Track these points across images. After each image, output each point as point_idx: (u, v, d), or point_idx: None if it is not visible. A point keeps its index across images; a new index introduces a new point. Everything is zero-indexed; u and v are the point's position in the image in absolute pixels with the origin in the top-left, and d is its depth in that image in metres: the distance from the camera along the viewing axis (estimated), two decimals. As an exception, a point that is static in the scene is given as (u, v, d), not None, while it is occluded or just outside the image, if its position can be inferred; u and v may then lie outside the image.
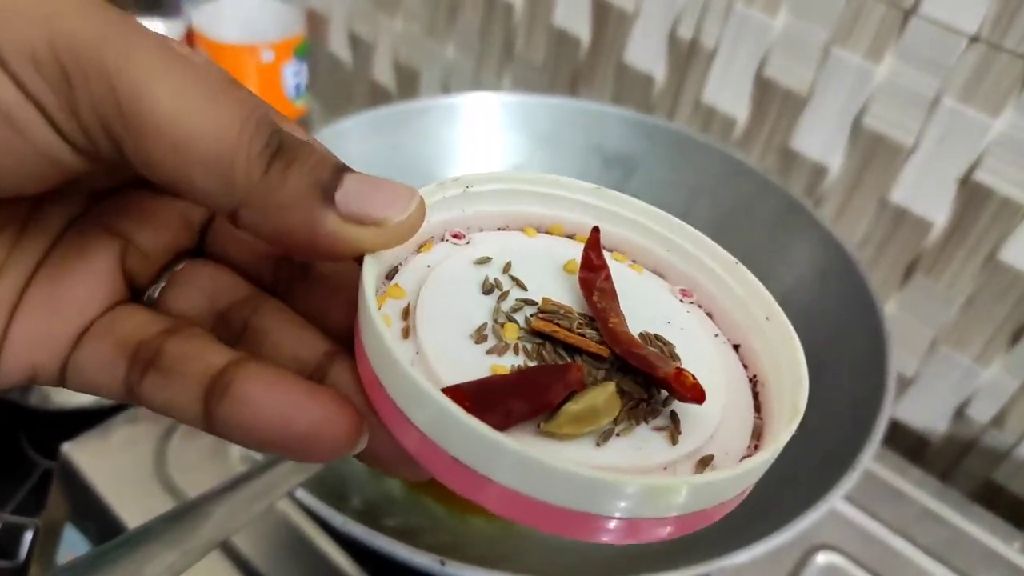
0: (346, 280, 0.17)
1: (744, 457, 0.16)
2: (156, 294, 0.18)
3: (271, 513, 0.37)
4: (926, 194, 0.44)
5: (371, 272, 0.15)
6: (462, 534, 0.35)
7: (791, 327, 0.17)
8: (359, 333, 0.16)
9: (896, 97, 0.43)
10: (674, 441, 0.15)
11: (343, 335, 0.17)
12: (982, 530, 0.43)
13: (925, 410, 0.49)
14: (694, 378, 0.15)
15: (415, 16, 0.66)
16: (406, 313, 0.16)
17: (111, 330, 0.17)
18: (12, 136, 0.13)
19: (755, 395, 0.17)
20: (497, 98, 0.48)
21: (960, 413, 0.48)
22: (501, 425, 0.14)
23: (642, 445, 0.15)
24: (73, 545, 0.39)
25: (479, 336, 0.16)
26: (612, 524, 0.14)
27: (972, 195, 0.42)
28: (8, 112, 0.13)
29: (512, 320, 0.17)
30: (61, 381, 0.17)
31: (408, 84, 0.71)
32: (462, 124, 0.46)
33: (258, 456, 0.27)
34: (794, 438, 0.37)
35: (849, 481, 0.29)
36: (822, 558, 0.40)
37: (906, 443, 0.50)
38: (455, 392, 0.14)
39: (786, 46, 0.46)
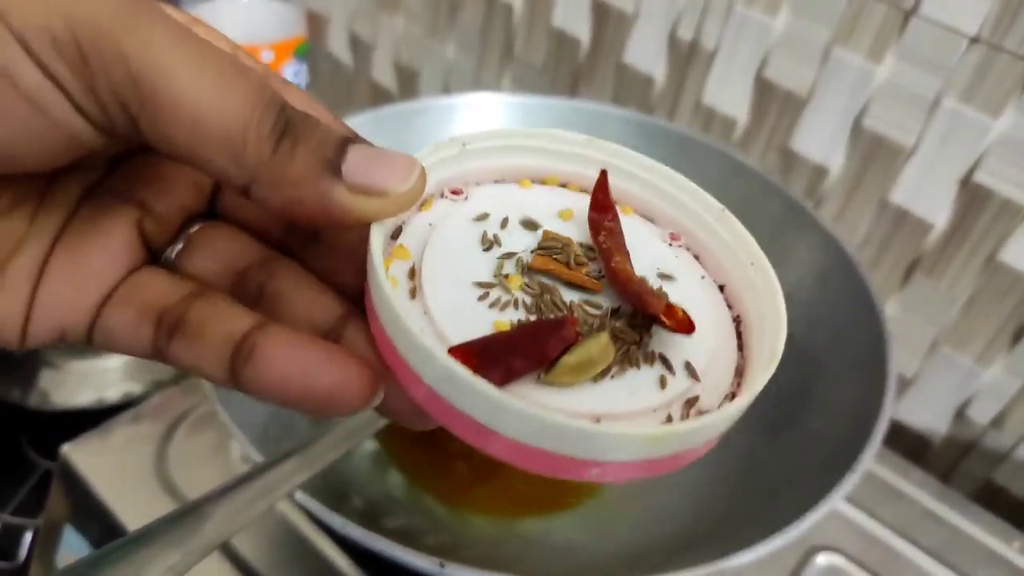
0: (355, 241, 0.18)
1: (728, 394, 0.17)
2: (173, 256, 0.19)
3: (270, 513, 0.37)
4: (927, 195, 0.44)
5: (378, 239, 0.16)
6: (463, 535, 0.35)
7: (774, 274, 0.18)
8: (369, 297, 0.17)
9: (897, 98, 0.43)
10: (663, 385, 0.17)
11: (354, 293, 0.18)
12: (982, 530, 0.43)
13: (926, 411, 0.49)
14: (684, 312, 0.17)
15: (415, 16, 0.66)
16: (412, 273, 0.17)
17: (136, 295, 0.17)
18: (35, 116, 0.14)
19: (739, 335, 0.19)
20: (497, 99, 0.48)
21: (961, 414, 0.48)
22: (504, 379, 0.15)
23: (634, 390, 0.16)
24: (73, 546, 0.39)
25: (482, 292, 0.17)
26: (599, 467, 0.15)
27: (973, 196, 0.42)
28: (32, 93, 0.14)
29: (513, 270, 0.18)
30: (89, 342, 0.18)
31: (408, 84, 0.70)
32: (462, 124, 0.46)
33: (259, 457, 0.27)
34: (794, 439, 0.37)
35: (850, 482, 0.29)
36: (822, 559, 0.40)
37: (907, 444, 0.50)
38: (463, 351, 0.15)
39: (787, 47, 0.46)
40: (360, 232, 0.17)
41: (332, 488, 0.34)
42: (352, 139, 0.16)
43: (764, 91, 0.48)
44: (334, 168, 0.15)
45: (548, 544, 0.35)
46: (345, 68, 0.76)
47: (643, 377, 0.16)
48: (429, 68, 0.68)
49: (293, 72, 0.70)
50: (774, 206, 0.42)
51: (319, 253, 0.19)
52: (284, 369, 0.16)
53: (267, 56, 0.68)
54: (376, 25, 0.70)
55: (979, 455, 0.48)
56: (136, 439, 0.40)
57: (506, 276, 0.18)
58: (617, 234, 0.19)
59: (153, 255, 0.19)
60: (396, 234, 0.18)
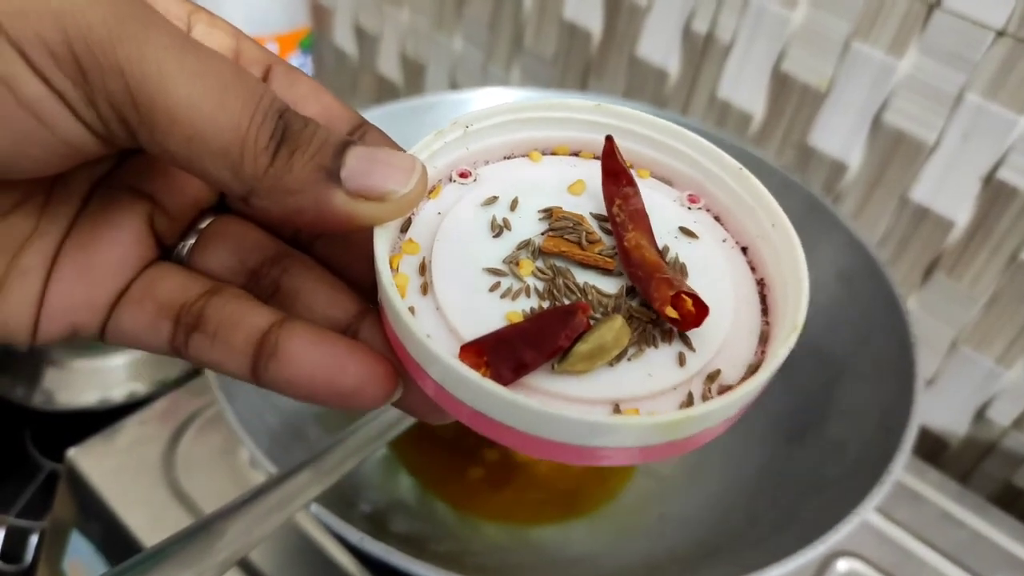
0: (365, 235, 0.17)
1: (752, 365, 0.16)
2: (185, 251, 0.19)
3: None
4: (948, 192, 0.43)
5: (383, 245, 0.16)
6: (475, 542, 0.35)
7: (795, 236, 0.17)
8: (381, 298, 0.17)
9: (919, 93, 0.42)
10: (682, 363, 0.16)
11: (368, 285, 0.18)
12: (1001, 533, 0.43)
13: (945, 411, 0.48)
14: (692, 304, 0.16)
15: (422, 8, 0.65)
16: (423, 268, 0.17)
17: (151, 293, 0.17)
18: (37, 126, 0.14)
19: (762, 298, 0.18)
20: (506, 93, 0.47)
21: (981, 415, 0.47)
22: (517, 374, 0.15)
23: (652, 370, 0.16)
24: (79, 550, 0.38)
25: (493, 282, 0.17)
26: (612, 453, 0.15)
27: (996, 194, 0.41)
28: (32, 103, 0.14)
29: (524, 255, 0.18)
30: (102, 338, 0.18)
31: (414, 77, 0.69)
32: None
33: (270, 468, 0.26)
34: (817, 445, 0.36)
35: (880, 492, 0.28)
36: (843, 564, 0.40)
37: (925, 445, 0.49)
38: (474, 349, 0.15)
39: (805, 40, 0.45)
40: (363, 231, 0.17)
41: (341, 494, 0.33)
42: (351, 143, 0.15)
43: (781, 85, 0.47)
44: (332, 175, 0.15)
45: (563, 553, 0.34)
46: (350, 60, 0.75)
47: (661, 356, 0.16)
48: (436, 61, 0.66)
49: (298, 64, 0.69)
50: (793, 204, 0.40)
51: (331, 246, 0.19)
52: (309, 366, 0.16)
53: (271, 48, 0.67)
54: (382, 17, 0.69)
55: (999, 457, 0.47)
56: (143, 442, 0.39)
57: (517, 263, 0.17)
58: (633, 200, 0.18)
59: (165, 250, 0.19)
60: (406, 227, 0.18)
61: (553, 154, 0.20)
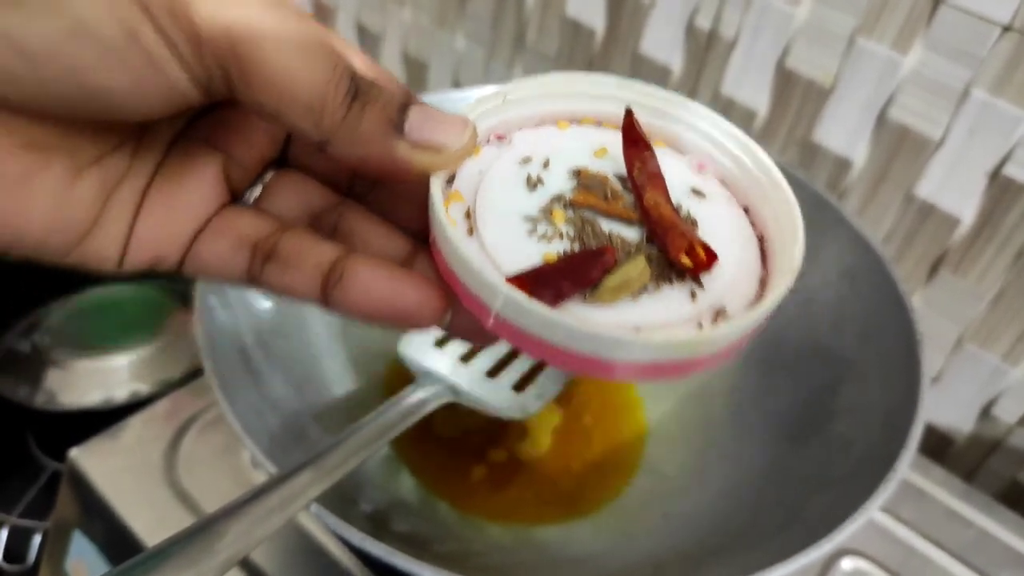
0: (414, 186, 0.20)
1: (753, 304, 0.19)
2: (251, 200, 0.21)
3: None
4: (954, 188, 0.43)
5: (438, 188, 0.19)
6: (475, 542, 0.35)
7: (792, 193, 0.20)
8: (433, 237, 0.19)
9: (924, 88, 0.42)
10: (694, 298, 0.19)
11: (416, 231, 0.21)
12: (1007, 531, 0.42)
13: (950, 409, 0.48)
14: (703, 252, 0.19)
15: (424, 6, 0.65)
16: (468, 214, 0.20)
17: (229, 227, 0.20)
18: (152, 73, 0.16)
19: (763, 251, 0.21)
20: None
21: (987, 412, 0.46)
22: (555, 300, 0.18)
23: (668, 304, 0.19)
24: (81, 550, 0.38)
25: (530, 227, 0.19)
26: (629, 367, 0.18)
27: (1003, 190, 0.41)
28: (151, 53, 0.16)
29: (557, 206, 0.20)
30: (179, 270, 0.20)
31: (417, 76, 0.69)
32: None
33: (271, 468, 0.26)
34: (821, 444, 0.36)
35: (885, 491, 0.28)
36: (847, 563, 0.39)
37: (931, 442, 0.49)
38: (518, 280, 0.18)
39: (809, 35, 0.45)
40: (419, 179, 0.19)
41: (343, 493, 0.33)
42: (412, 101, 0.18)
43: (785, 81, 0.47)
44: (397, 127, 0.18)
45: (566, 553, 0.34)
46: (352, 59, 0.74)
47: (676, 293, 0.19)
48: (438, 59, 0.66)
49: (299, 63, 0.69)
50: (797, 200, 0.40)
51: (382, 198, 0.21)
52: (373, 290, 0.19)
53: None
54: (384, 15, 0.69)
55: (1005, 454, 0.47)
56: (145, 443, 0.39)
57: (551, 212, 0.20)
58: (651, 164, 0.21)
59: (234, 198, 0.21)
60: (451, 180, 0.20)
61: (579, 124, 0.23)
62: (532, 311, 0.17)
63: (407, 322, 0.19)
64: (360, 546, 0.25)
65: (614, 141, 0.22)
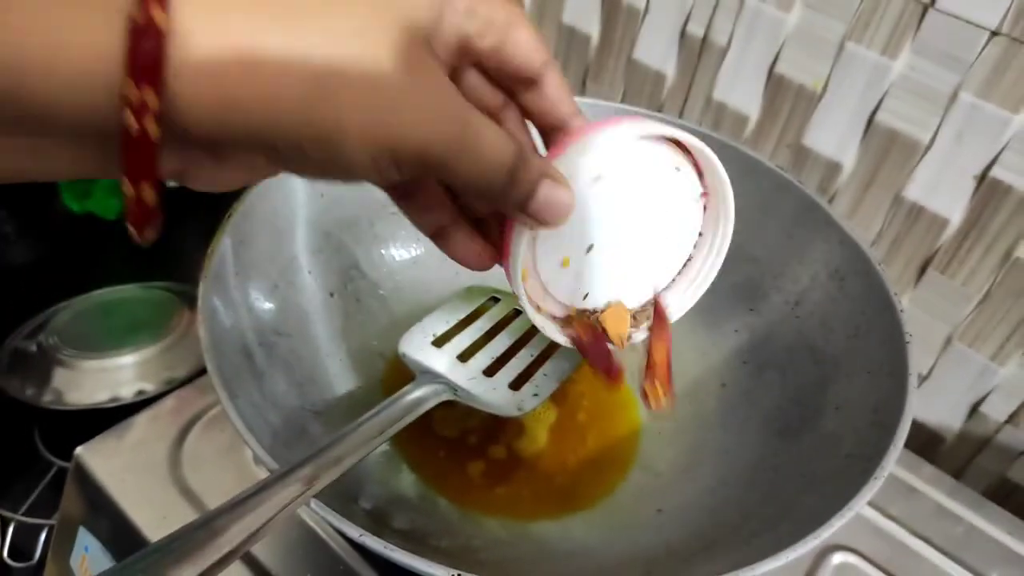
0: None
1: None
2: None
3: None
4: (942, 191, 0.44)
5: (519, 244, 0.26)
6: (474, 537, 0.35)
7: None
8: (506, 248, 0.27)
9: (913, 93, 0.43)
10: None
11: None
12: (996, 528, 0.43)
13: (940, 407, 0.48)
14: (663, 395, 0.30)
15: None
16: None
17: None
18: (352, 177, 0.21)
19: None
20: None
21: (975, 410, 0.47)
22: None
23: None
24: (87, 547, 0.39)
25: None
26: None
27: (990, 192, 0.42)
28: (356, 169, 0.20)
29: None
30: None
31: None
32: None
33: (273, 465, 0.27)
34: (811, 442, 0.37)
35: (873, 487, 0.29)
36: (838, 558, 0.40)
37: (920, 440, 0.50)
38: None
39: (800, 41, 0.46)
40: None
41: (342, 489, 0.34)
42: (543, 181, 0.24)
43: (776, 86, 0.47)
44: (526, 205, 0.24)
45: (562, 547, 0.34)
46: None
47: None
48: (437, 62, 0.67)
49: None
50: (789, 203, 0.41)
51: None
52: (457, 248, 0.28)
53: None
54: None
55: (994, 451, 0.47)
56: (150, 440, 0.40)
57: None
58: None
59: None
60: None
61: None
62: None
63: (470, 267, 0.28)
64: (359, 541, 0.25)
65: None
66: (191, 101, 0.16)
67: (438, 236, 0.27)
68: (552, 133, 0.27)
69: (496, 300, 0.43)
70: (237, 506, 0.22)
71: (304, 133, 0.18)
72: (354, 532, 0.26)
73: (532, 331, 0.42)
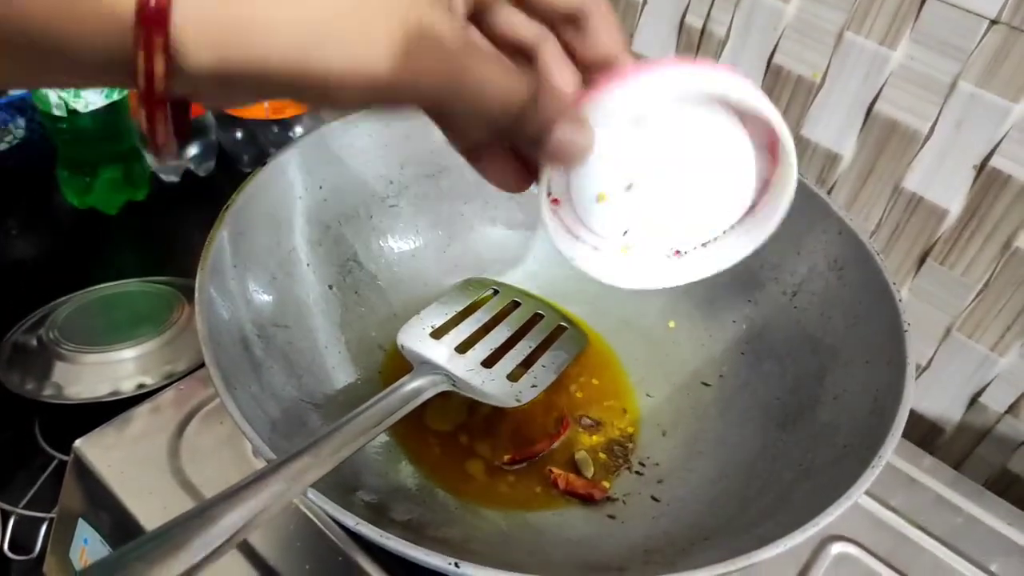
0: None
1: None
2: None
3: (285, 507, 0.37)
4: (942, 181, 0.43)
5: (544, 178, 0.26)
6: (474, 528, 0.35)
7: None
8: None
9: (912, 82, 0.42)
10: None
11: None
12: (996, 518, 0.43)
13: (939, 398, 0.48)
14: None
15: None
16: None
17: None
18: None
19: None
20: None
21: (975, 401, 0.47)
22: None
23: None
24: (86, 539, 0.39)
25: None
26: None
27: (989, 181, 0.42)
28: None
29: None
30: None
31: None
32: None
33: (271, 456, 0.27)
34: (809, 431, 0.37)
35: (871, 476, 0.29)
36: (837, 548, 0.40)
37: (920, 431, 0.49)
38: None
39: (799, 31, 0.45)
40: None
41: (341, 481, 0.34)
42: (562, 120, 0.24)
43: (775, 77, 0.47)
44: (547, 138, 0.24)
45: (560, 537, 0.34)
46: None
47: None
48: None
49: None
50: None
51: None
52: (492, 172, 0.27)
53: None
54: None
55: (994, 442, 0.47)
56: (149, 433, 0.40)
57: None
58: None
59: None
60: None
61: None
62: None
63: (505, 189, 0.27)
64: (355, 530, 0.25)
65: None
66: (192, 51, 0.19)
67: (472, 155, 0.27)
68: (599, 71, 0.26)
69: (495, 292, 0.43)
70: (233, 495, 0.23)
71: (296, 83, 0.20)
72: (351, 521, 0.26)
73: (531, 323, 0.42)
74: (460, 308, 0.40)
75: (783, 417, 0.37)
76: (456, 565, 0.25)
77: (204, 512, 0.22)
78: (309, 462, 0.26)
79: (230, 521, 0.22)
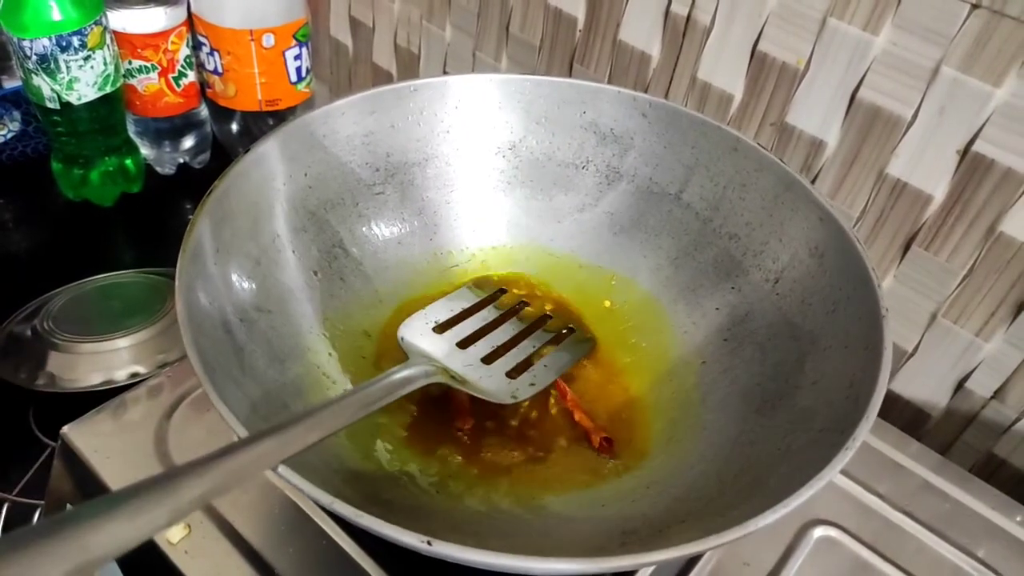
0: None
1: None
2: None
3: (270, 491, 0.38)
4: (925, 167, 0.43)
5: None
6: (453, 511, 0.36)
7: None
8: None
9: (895, 68, 0.43)
10: None
11: None
12: (983, 504, 0.43)
13: (925, 384, 0.48)
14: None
15: (413, -4, 0.66)
16: None
17: None
18: None
19: None
20: (491, 77, 0.47)
21: (961, 387, 0.47)
22: None
23: None
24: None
25: None
26: None
27: (973, 166, 0.42)
28: None
29: None
30: None
31: (409, 66, 0.70)
32: (457, 103, 0.46)
33: (245, 432, 0.27)
34: (787, 415, 0.37)
35: (844, 457, 0.29)
36: (819, 532, 0.40)
37: (905, 417, 0.50)
38: None
39: (782, 18, 0.45)
40: None
41: (319, 464, 0.34)
42: None
43: (759, 65, 0.47)
44: None
45: (538, 518, 0.35)
46: (346, 51, 0.76)
47: None
48: (428, 49, 0.67)
49: (294, 56, 0.70)
50: (771, 181, 0.41)
51: None
52: None
53: (268, 41, 0.68)
54: (375, 8, 0.70)
55: (980, 428, 0.47)
56: (137, 419, 0.40)
57: None
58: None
59: None
60: None
61: None
62: None
63: None
64: (330, 508, 0.26)
65: None
66: None
67: None
68: None
69: (503, 292, 0.43)
70: (203, 463, 0.23)
71: None
72: (326, 499, 0.26)
73: (537, 323, 0.42)
74: (466, 306, 0.40)
75: (762, 402, 0.37)
76: (429, 543, 0.25)
77: (171, 476, 0.22)
78: (284, 439, 0.26)
79: (196, 483, 0.22)
